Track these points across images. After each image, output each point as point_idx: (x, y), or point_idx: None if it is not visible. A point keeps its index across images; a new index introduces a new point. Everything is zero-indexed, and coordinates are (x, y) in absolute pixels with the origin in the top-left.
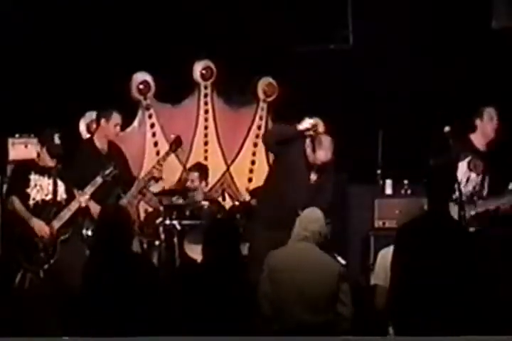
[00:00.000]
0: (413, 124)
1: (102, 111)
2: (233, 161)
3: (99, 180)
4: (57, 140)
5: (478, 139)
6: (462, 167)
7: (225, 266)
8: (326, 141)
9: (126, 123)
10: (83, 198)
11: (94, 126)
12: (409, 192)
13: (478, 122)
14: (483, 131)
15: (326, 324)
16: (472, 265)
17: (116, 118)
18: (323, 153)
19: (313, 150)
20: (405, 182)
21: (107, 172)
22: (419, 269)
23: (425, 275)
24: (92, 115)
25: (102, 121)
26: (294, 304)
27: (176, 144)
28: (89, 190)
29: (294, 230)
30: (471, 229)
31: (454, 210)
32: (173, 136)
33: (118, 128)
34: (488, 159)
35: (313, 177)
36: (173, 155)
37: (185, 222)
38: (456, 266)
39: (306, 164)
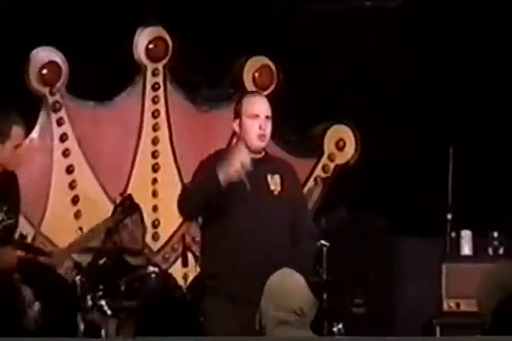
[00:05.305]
0: (506, 135)
1: None
2: None
3: None
4: None
5: None
6: None
7: None
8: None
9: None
10: None
11: None
12: (501, 251)
13: None
14: None
15: None
16: None
17: (17, 135)
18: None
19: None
20: (494, 234)
21: None
22: None
23: None
24: None
25: None
26: None
27: (125, 207)
28: None
29: (261, 309)
30: None
31: None
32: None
33: (20, 150)
34: None
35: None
36: (97, 185)
37: (119, 304)
38: None
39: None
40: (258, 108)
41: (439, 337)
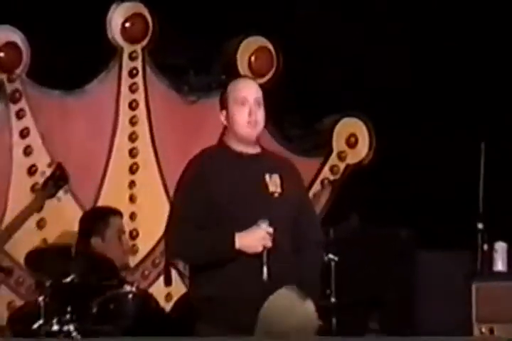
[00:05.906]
0: None
1: None
2: None
3: None
4: None
5: None
6: None
7: None
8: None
9: None
10: None
11: None
12: None
13: None
14: None
15: None
16: None
17: None
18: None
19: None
20: None
21: None
22: None
23: None
24: None
25: None
26: None
27: (55, 179)
28: None
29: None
30: None
31: None
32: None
33: None
34: None
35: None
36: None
37: (90, 329)
38: None
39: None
40: (245, 90)
41: (438, 337)
